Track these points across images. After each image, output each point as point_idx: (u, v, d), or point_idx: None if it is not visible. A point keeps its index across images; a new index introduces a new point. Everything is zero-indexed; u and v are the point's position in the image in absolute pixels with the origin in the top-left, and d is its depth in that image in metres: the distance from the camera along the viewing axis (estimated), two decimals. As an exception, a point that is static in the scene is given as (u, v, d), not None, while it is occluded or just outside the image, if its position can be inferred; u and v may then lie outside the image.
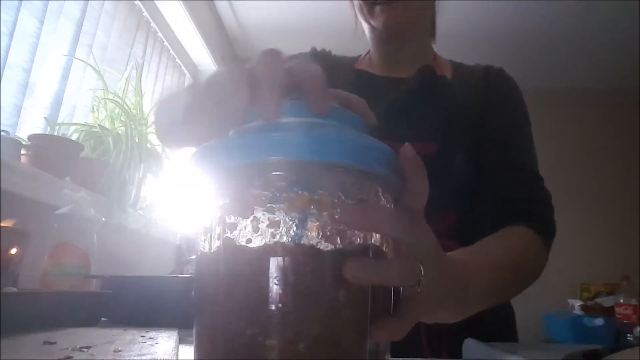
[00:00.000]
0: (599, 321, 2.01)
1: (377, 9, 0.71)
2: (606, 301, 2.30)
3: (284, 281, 0.23)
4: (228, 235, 0.25)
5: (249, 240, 0.25)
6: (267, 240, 0.25)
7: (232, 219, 0.25)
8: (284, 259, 0.23)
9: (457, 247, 0.57)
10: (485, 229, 0.63)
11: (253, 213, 0.25)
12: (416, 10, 0.74)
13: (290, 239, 0.25)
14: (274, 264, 0.23)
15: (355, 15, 0.78)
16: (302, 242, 0.25)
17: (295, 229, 0.25)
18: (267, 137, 0.24)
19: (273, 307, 0.23)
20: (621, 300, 2.19)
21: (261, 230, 0.25)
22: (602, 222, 2.80)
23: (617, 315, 2.15)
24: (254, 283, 0.24)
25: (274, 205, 0.25)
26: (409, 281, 0.27)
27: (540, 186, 0.69)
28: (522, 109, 0.76)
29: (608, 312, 2.20)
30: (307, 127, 0.25)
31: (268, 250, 0.24)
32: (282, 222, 0.25)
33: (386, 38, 0.77)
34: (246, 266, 0.24)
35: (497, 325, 0.72)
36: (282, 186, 0.24)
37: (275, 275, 0.23)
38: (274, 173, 0.24)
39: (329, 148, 0.23)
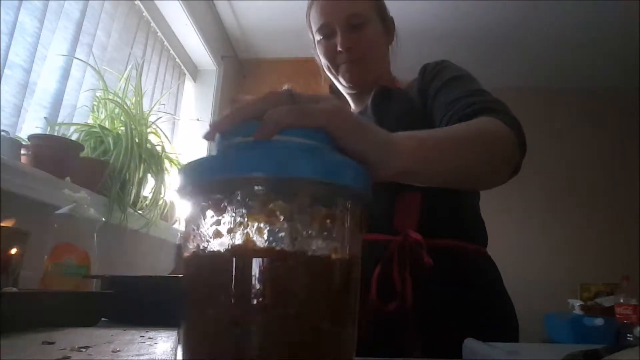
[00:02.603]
0: (599, 321, 2.00)
1: (342, 67, 0.86)
2: (606, 301, 2.30)
3: (262, 279, 0.26)
4: (211, 241, 0.28)
5: (227, 244, 0.27)
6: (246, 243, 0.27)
7: (216, 226, 0.28)
8: (262, 260, 0.26)
9: (422, 222, 0.73)
10: (448, 205, 0.74)
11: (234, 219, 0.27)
12: (374, 64, 0.87)
13: (266, 243, 0.27)
14: (255, 265, 0.26)
15: (324, 72, 0.93)
16: (277, 246, 0.27)
17: (270, 234, 0.27)
18: (251, 155, 0.28)
19: (254, 302, 0.25)
20: (621, 300, 2.18)
21: (241, 235, 0.27)
22: (602, 222, 2.80)
23: (617, 315, 2.14)
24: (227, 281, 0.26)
25: (251, 213, 0.27)
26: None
27: (492, 96, 0.67)
28: (457, 70, 0.77)
29: (608, 312, 2.20)
30: (286, 147, 0.29)
31: (248, 252, 0.26)
32: (258, 228, 0.27)
33: (353, 89, 0.89)
34: (226, 266, 0.27)
35: (497, 325, 0.72)
36: (260, 197, 0.27)
37: (253, 274, 0.26)
38: (255, 187, 0.27)
39: (305, 166, 0.27)
